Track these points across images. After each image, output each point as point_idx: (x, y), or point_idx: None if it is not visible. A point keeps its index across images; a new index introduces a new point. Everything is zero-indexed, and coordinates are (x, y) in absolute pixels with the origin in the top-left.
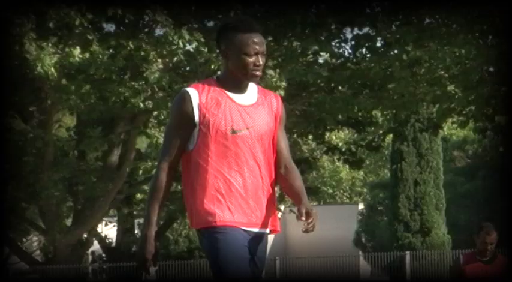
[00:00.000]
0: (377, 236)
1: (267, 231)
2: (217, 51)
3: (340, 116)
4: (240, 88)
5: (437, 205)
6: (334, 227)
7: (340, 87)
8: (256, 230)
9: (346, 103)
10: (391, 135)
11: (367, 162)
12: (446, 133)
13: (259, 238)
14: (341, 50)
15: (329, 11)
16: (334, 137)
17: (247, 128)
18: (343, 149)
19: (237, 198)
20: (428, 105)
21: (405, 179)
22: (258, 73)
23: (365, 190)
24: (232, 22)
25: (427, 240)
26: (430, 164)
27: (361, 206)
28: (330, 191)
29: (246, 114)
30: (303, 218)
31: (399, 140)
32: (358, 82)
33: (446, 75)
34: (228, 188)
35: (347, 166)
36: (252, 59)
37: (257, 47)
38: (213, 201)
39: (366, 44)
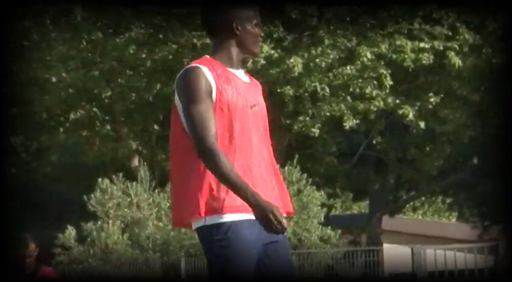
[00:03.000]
0: None
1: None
2: (211, 27)
3: None
4: (238, 65)
5: None
6: None
7: None
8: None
9: None
10: None
11: None
12: None
13: None
14: None
15: None
16: None
17: (256, 105)
18: None
19: (258, 180)
20: None
21: None
22: (261, 44)
23: None
24: None
25: None
26: None
27: None
28: None
29: (250, 91)
30: None
31: None
32: None
33: None
34: (248, 170)
35: None
36: (260, 30)
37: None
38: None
39: None
